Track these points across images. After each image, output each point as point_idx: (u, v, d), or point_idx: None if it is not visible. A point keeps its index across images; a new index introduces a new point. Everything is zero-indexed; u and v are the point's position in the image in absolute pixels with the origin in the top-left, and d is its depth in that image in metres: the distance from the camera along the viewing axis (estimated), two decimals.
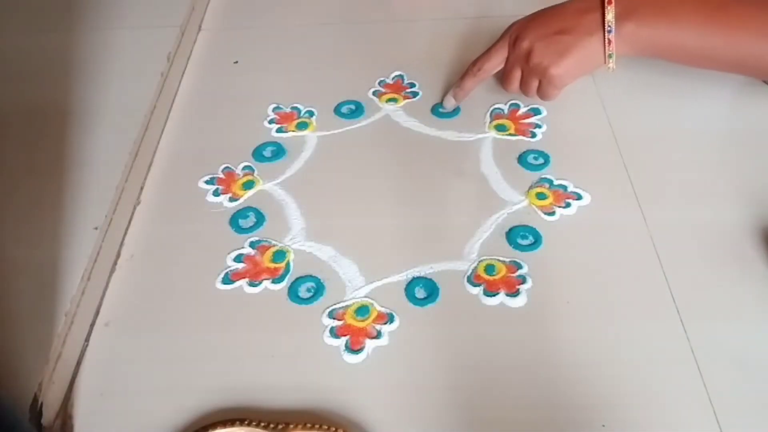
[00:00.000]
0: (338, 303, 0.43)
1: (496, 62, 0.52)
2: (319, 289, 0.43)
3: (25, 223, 0.46)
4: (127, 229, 0.48)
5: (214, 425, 0.36)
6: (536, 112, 0.54)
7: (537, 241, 0.45)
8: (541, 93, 0.51)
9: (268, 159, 0.52)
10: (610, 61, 0.47)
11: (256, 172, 0.51)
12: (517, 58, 0.50)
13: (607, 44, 0.46)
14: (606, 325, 0.40)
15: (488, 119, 0.54)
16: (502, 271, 0.43)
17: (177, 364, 0.40)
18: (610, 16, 0.46)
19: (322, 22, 0.66)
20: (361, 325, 0.41)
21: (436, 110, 0.56)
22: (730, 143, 0.51)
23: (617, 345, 0.39)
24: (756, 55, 0.45)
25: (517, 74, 0.51)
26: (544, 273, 0.43)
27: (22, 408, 0.36)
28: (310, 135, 0.54)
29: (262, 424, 0.36)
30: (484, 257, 0.44)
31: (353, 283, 0.44)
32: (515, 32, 0.50)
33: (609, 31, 0.46)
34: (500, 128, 0.53)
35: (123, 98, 0.55)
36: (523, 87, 0.51)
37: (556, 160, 0.50)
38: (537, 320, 0.41)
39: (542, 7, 0.50)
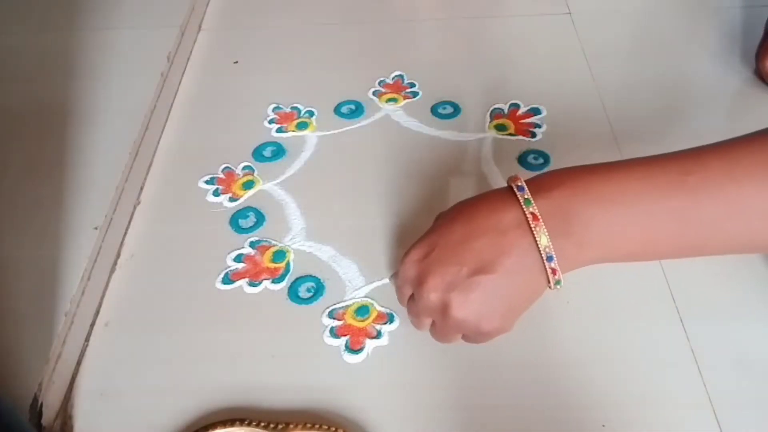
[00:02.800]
0: (338, 303, 0.43)
1: (402, 301, 0.38)
2: (319, 289, 0.43)
3: (25, 223, 0.46)
4: (127, 229, 0.48)
5: (214, 425, 0.36)
6: (536, 112, 0.54)
7: None
8: (470, 342, 0.38)
9: (268, 159, 0.52)
10: (557, 286, 0.34)
11: (256, 172, 0.51)
12: (425, 309, 0.36)
13: (551, 274, 0.34)
14: (606, 325, 0.40)
15: (488, 119, 0.54)
16: None
17: (177, 364, 0.40)
18: (544, 240, 0.33)
19: (322, 22, 0.66)
20: (361, 325, 0.41)
21: (436, 110, 0.56)
22: None
23: (617, 345, 0.39)
24: (724, 237, 0.33)
25: (426, 321, 0.38)
26: None
27: (22, 408, 0.36)
28: (310, 135, 0.54)
29: (262, 424, 0.36)
30: None
31: (353, 283, 0.44)
32: (414, 271, 0.36)
33: (549, 259, 0.33)
34: (500, 128, 0.53)
35: (123, 98, 0.55)
36: (442, 340, 0.38)
37: (556, 160, 0.50)
38: (537, 320, 0.41)
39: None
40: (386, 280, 0.44)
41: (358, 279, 0.44)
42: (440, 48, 0.62)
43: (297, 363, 0.40)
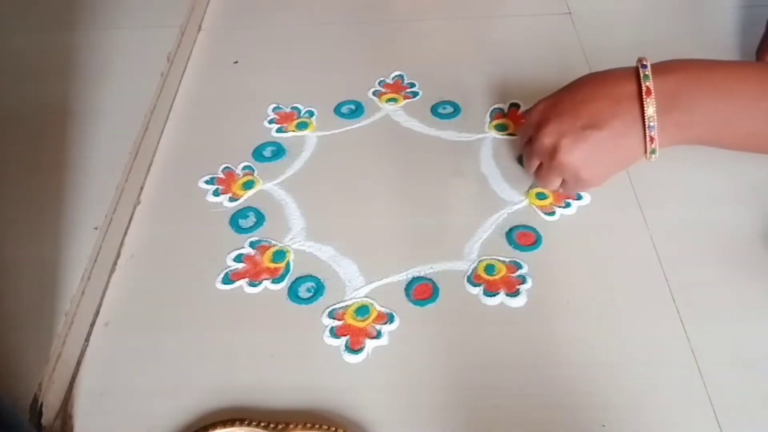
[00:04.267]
0: (338, 303, 0.43)
1: (523, 141, 0.46)
2: (319, 289, 0.43)
3: (26, 223, 0.46)
4: (127, 229, 0.48)
5: (214, 425, 0.36)
6: None
7: (537, 241, 0.45)
8: (566, 189, 0.45)
9: (268, 159, 0.52)
10: (653, 156, 0.41)
11: (256, 172, 0.51)
12: (538, 150, 0.43)
13: (648, 142, 0.40)
14: (606, 325, 0.40)
15: (488, 119, 0.54)
16: (502, 271, 0.43)
17: (177, 364, 0.40)
18: (651, 110, 0.40)
19: (322, 22, 0.66)
20: (361, 325, 0.41)
21: (436, 110, 0.56)
22: None
23: (617, 345, 0.39)
24: None
25: (534, 162, 0.45)
26: (544, 273, 0.43)
27: (22, 408, 0.36)
28: (310, 135, 0.54)
29: (262, 424, 0.36)
30: (484, 257, 0.44)
31: (353, 283, 0.44)
32: (537, 117, 0.44)
33: (650, 128, 0.40)
34: (500, 128, 0.53)
35: (123, 98, 0.55)
36: (543, 181, 0.45)
37: None
38: (537, 320, 0.41)
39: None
40: (386, 280, 0.44)
41: (358, 279, 0.44)
42: (440, 48, 0.62)
43: (297, 363, 0.40)
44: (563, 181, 0.44)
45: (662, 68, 0.41)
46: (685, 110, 0.40)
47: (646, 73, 0.40)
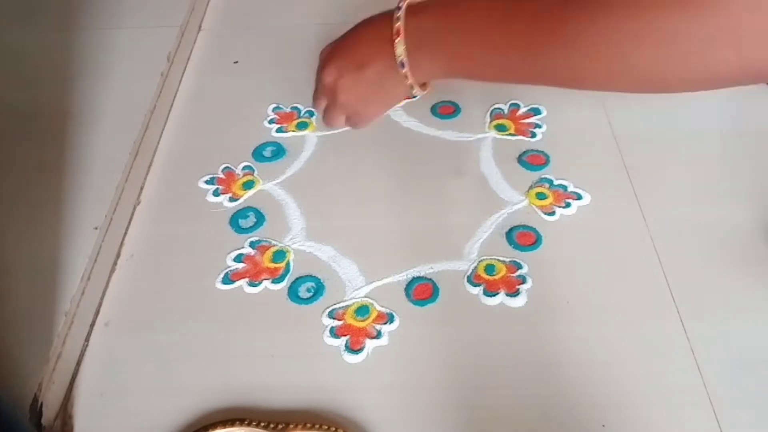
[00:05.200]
0: (338, 303, 0.43)
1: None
2: (319, 289, 0.43)
3: (25, 223, 0.46)
4: (127, 229, 0.48)
5: (214, 425, 0.36)
6: (536, 112, 0.54)
7: (537, 241, 0.45)
8: (350, 124, 0.50)
9: (268, 159, 0.52)
10: (414, 91, 0.45)
11: (256, 172, 0.51)
12: (323, 89, 0.48)
13: (404, 78, 0.44)
14: (606, 325, 0.40)
15: (488, 119, 0.54)
16: (502, 271, 0.43)
17: (177, 364, 0.40)
18: (399, 49, 0.43)
19: (322, 22, 0.66)
20: (361, 325, 0.41)
21: (436, 110, 0.56)
22: (730, 143, 0.51)
23: (617, 345, 0.39)
24: (553, 67, 0.40)
25: (321, 102, 0.50)
26: (544, 273, 0.43)
27: (22, 408, 0.36)
28: (310, 135, 0.54)
29: (262, 424, 0.36)
30: (484, 257, 0.44)
31: (353, 283, 0.44)
32: (322, 61, 0.49)
33: (401, 65, 0.43)
34: (500, 128, 0.53)
35: (123, 98, 0.55)
36: (329, 119, 0.50)
37: (556, 160, 0.50)
38: (537, 320, 0.41)
39: None
40: (386, 280, 0.44)
41: (358, 279, 0.44)
42: None
43: (297, 363, 0.40)
44: (346, 117, 0.49)
45: (414, 9, 0.43)
46: (435, 44, 0.42)
47: (398, 15, 0.43)
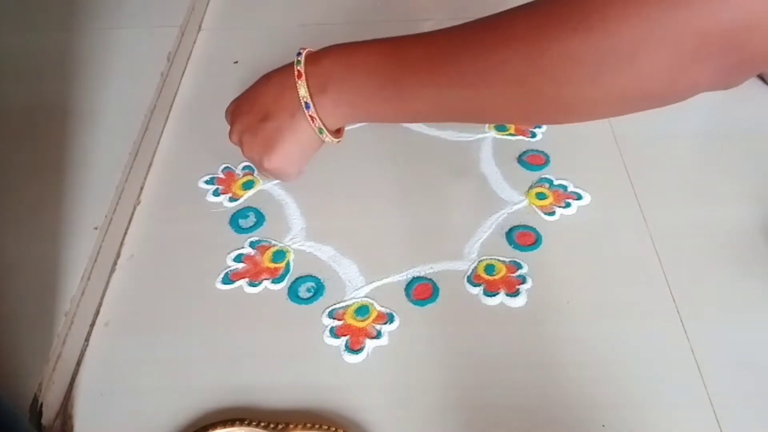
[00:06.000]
0: (338, 303, 0.43)
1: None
2: (319, 289, 0.43)
3: (25, 223, 0.46)
4: (127, 229, 0.48)
5: (214, 425, 0.36)
6: None
7: (537, 241, 0.45)
8: (278, 179, 0.49)
9: None
10: (323, 136, 0.43)
11: (256, 172, 0.51)
12: (234, 143, 0.46)
13: (311, 121, 0.42)
14: (606, 325, 0.40)
15: None
16: (502, 271, 0.43)
17: (177, 364, 0.40)
18: (302, 91, 0.41)
19: (322, 22, 0.66)
20: (361, 325, 0.41)
21: None
22: (730, 143, 0.51)
23: (617, 345, 0.39)
24: (458, 103, 0.39)
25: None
26: (544, 273, 0.43)
27: (22, 408, 0.36)
28: None
29: (262, 424, 0.36)
30: (484, 257, 0.44)
31: (353, 283, 0.44)
32: (228, 117, 0.46)
33: (307, 107, 0.41)
34: (500, 128, 0.53)
35: (123, 98, 0.55)
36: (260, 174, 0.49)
37: (556, 160, 0.50)
38: (537, 320, 0.41)
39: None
40: (386, 280, 0.44)
41: (358, 279, 0.44)
42: None
43: (297, 363, 0.40)
44: (266, 174, 0.47)
45: (316, 54, 0.42)
46: (336, 89, 0.41)
47: (299, 59, 0.42)
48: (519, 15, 0.35)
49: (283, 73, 0.43)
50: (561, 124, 0.39)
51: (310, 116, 0.42)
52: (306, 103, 0.41)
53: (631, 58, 0.31)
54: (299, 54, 0.42)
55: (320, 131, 0.42)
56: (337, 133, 0.44)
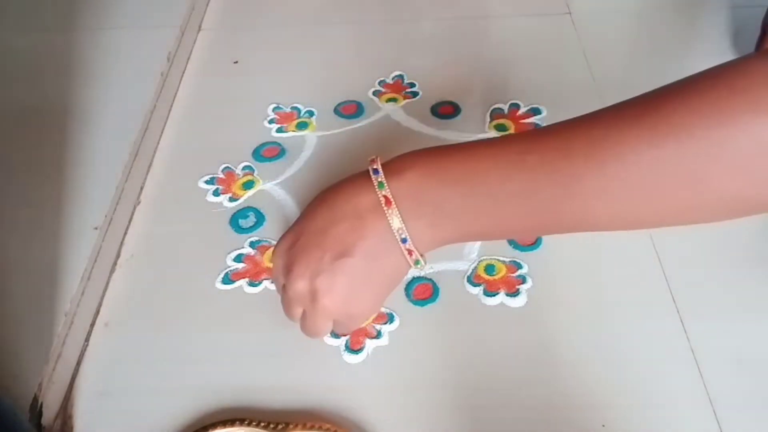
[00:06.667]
0: None
1: (280, 291, 0.39)
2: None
3: (25, 223, 0.46)
4: (127, 229, 0.48)
5: (214, 425, 0.36)
6: (536, 112, 0.54)
7: (537, 241, 0.45)
8: (339, 330, 0.39)
9: (268, 159, 0.52)
10: (418, 267, 0.35)
11: (256, 172, 0.51)
12: (295, 297, 0.36)
13: (407, 255, 0.35)
14: (606, 325, 0.40)
15: (488, 119, 0.54)
16: (502, 271, 0.43)
17: (177, 364, 0.40)
18: (396, 223, 0.34)
19: (322, 22, 0.66)
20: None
21: (436, 110, 0.56)
22: None
23: (617, 345, 0.39)
24: (590, 212, 0.32)
25: (297, 310, 0.38)
26: (544, 273, 0.43)
27: (22, 408, 0.36)
28: (310, 135, 0.54)
29: (262, 424, 0.36)
30: (484, 257, 0.44)
31: None
32: (282, 260, 0.37)
33: (404, 241, 0.34)
34: (500, 128, 0.53)
35: (123, 98, 0.55)
36: (311, 329, 0.38)
37: None
38: (537, 320, 0.41)
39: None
40: None
41: None
42: (440, 48, 0.62)
43: (297, 363, 0.40)
44: (334, 323, 0.38)
45: (393, 168, 0.35)
46: (433, 211, 0.34)
47: (380, 180, 0.34)
48: (676, 96, 0.29)
49: (356, 193, 0.35)
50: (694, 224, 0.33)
51: (408, 251, 0.34)
52: (402, 237, 0.34)
53: None
54: (375, 171, 0.35)
55: (416, 263, 0.35)
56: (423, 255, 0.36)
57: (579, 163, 0.31)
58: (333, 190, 0.37)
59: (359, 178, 0.36)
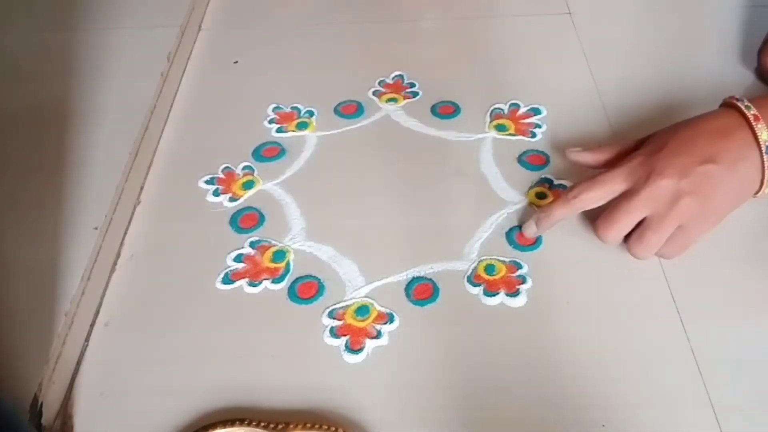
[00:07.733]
0: (338, 303, 0.43)
1: (601, 195, 0.42)
2: (319, 289, 0.43)
3: (25, 223, 0.46)
4: (127, 229, 0.48)
5: (214, 425, 0.36)
6: (536, 112, 0.54)
7: (537, 241, 0.45)
8: (672, 245, 0.41)
9: (268, 159, 0.52)
10: (766, 186, 0.40)
11: (256, 172, 0.51)
12: (652, 198, 0.39)
13: (766, 168, 0.39)
14: (606, 325, 0.40)
15: (488, 119, 0.54)
16: (502, 271, 0.43)
17: (177, 364, 0.40)
18: (765, 135, 0.39)
19: (322, 22, 0.66)
20: (361, 325, 0.41)
21: (436, 110, 0.56)
22: None
23: (617, 345, 0.39)
24: None
25: (628, 220, 0.40)
26: (544, 273, 0.43)
27: (22, 408, 0.36)
28: (310, 135, 0.54)
29: (262, 424, 0.36)
30: (484, 257, 0.44)
31: (353, 283, 0.44)
32: (643, 169, 0.40)
33: (767, 152, 0.39)
34: (500, 128, 0.53)
35: (123, 98, 0.55)
36: (645, 242, 0.40)
37: (556, 160, 0.50)
38: (537, 320, 0.41)
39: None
40: (386, 280, 0.43)
41: (358, 279, 0.44)
42: (440, 48, 0.62)
43: (297, 363, 0.40)
44: (672, 236, 0.40)
45: (755, 99, 0.40)
46: None
47: (746, 104, 0.40)
48: None
49: (719, 116, 0.41)
50: None
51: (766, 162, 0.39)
52: (767, 146, 0.39)
53: None
54: (740, 99, 0.41)
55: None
56: None
57: None
58: (691, 119, 0.42)
59: (715, 111, 0.42)
